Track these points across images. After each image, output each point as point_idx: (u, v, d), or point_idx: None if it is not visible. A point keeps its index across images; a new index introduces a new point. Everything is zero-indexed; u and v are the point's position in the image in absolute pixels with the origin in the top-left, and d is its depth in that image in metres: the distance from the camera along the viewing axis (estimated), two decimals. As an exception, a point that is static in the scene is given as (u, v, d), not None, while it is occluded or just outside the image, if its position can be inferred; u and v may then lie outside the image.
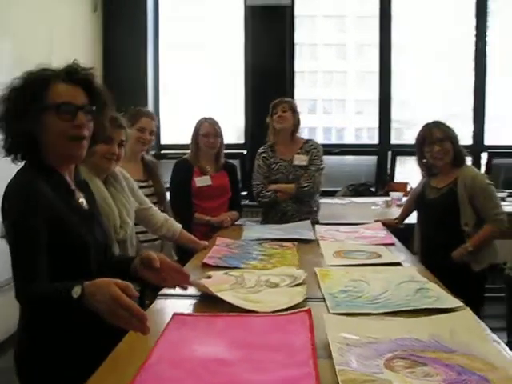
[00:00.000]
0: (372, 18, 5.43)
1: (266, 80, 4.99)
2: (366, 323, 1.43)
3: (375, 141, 5.49)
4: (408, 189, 4.87)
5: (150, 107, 5.07)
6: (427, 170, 2.99)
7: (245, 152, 5.03)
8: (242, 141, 5.31)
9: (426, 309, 1.53)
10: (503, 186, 4.05)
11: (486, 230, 2.74)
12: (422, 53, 5.56)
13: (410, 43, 5.54)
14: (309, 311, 1.47)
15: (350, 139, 13.35)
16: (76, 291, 1.18)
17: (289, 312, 1.50)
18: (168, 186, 3.24)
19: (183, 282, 1.55)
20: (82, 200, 1.55)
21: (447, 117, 4.87)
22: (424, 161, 2.96)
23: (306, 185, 3.20)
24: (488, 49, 5.08)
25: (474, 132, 5.05)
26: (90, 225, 1.52)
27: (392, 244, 2.55)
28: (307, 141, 3.37)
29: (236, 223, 3.22)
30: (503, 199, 3.81)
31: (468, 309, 1.49)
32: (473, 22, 5.11)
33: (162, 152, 5.26)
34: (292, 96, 5.11)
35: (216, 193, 3.23)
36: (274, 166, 3.28)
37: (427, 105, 5.68)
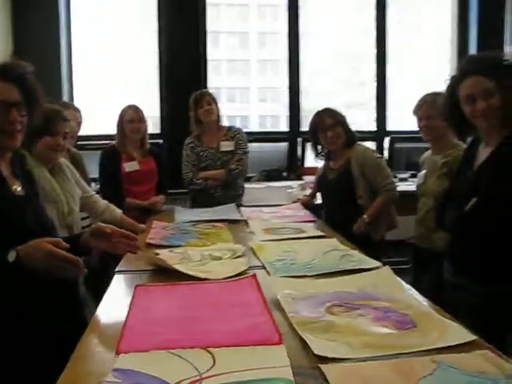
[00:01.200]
0: (275, 6, 5.69)
1: (180, 69, 5.11)
2: (304, 283, 1.69)
3: (281, 128, 5.78)
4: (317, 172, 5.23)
5: (65, 99, 5.06)
6: (326, 154, 3.27)
7: (161, 141, 5.13)
8: (157, 131, 5.40)
9: (351, 270, 1.81)
10: (405, 167, 4.47)
11: (379, 200, 3.02)
12: (326, 42, 5.91)
13: (316, 33, 5.85)
14: (254, 276, 1.71)
15: (253, 127, 13.64)
16: (11, 255, 1.34)
17: (237, 278, 1.73)
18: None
19: (133, 247, 1.66)
20: (16, 187, 1.62)
21: (352, 104, 5.27)
22: (319, 147, 3.25)
23: (235, 167, 3.42)
24: (388, 38, 5.52)
25: (377, 118, 5.48)
26: (23, 210, 1.58)
27: (313, 221, 2.85)
28: (230, 127, 3.59)
29: (165, 208, 3.39)
30: (405, 179, 4.23)
31: (387, 267, 1.79)
32: (373, 12, 5.51)
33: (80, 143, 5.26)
34: (205, 85, 5.29)
35: (144, 178, 3.38)
36: (201, 153, 3.47)
37: (331, 93, 6.07)
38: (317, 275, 1.78)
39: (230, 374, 1.05)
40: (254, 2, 12.77)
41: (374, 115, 5.46)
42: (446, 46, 5.80)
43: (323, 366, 1.07)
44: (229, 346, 1.18)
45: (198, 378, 1.04)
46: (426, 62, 5.80)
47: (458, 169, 2.13)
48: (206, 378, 1.04)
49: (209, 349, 1.16)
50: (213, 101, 3.48)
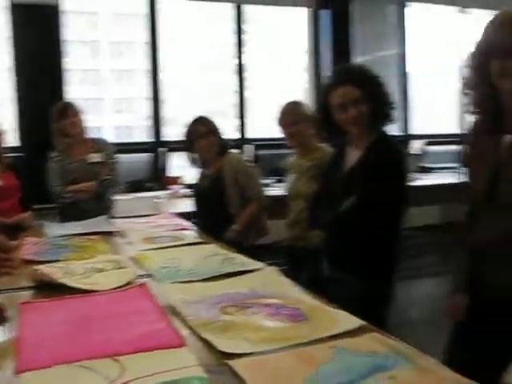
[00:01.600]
0: (131, 15, 5.69)
1: (36, 81, 4.91)
2: (194, 287, 1.72)
3: (138, 138, 5.76)
4: (180, 182, 5.29)
5: None
6: (201, 162, 3.35)
7: (22, 155, 4.85)
8: (17, 144, 5.09)
9: (237, 272, 1.88)
10: (269, 174, 4.68)
11: (251, 208, 3.18)
12: (186, 52, 6.01)
13: (177, 44, 5.93)
14: (144, 284, 1.71)
15: (109, 138, 13.19)
16: None
17: (126, 287, 1.72)
18: None
19: (9, 267, 1.58)
20: None
21: (213, 113, 5.37)
22: (194, 154, 3.32)
23: (107, 177, 3.35)
24: (245, 50, 5.75)
25: (239, 126, 5.67)
26: None
27: (189, 229, 2.88)
28: (96, 139, 3.51)
29: (34, 223, 3.22)
30: (269, 185, 4.42)
31: (273, 267, 1.88)
32: (232, 25, 5.71)
33: None
34: (61, 96, 5.11)
35: (6, 194, 3.19)
36: (69, 166, 3.36)
37: (192, 103, 6.17)
38: (205, 279, 1.82)
39: (143, 379, 1.05)
40: (105, 11, 12.44)
41: (237, 123, 5.64)
42: (302, 57, 6.17)
43: (231, 362, 1.12)
44: (134, 353, 1.18)
45: (107, 387, 1.04)
46: (284, 72, 6.14)
47: (326, 170, 2.30)
48: (118, 385, 1.04)
49: (115, 357, 1.15)
50: (77, 112, 3.39)
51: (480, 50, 1.55)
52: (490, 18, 1.55)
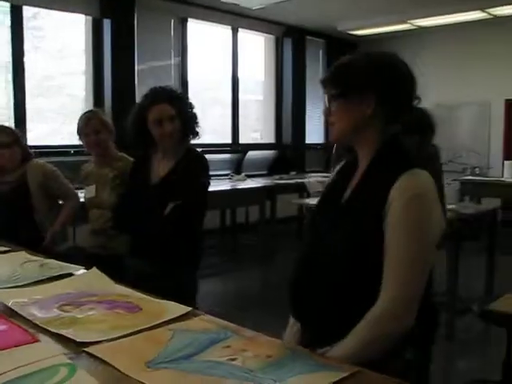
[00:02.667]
0: None
1: None
2: (23, 291, 1.79)
3: None
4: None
5: None
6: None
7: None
8: None
9: (57, 276, 1.99)
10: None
11: (66, 208, 3.22)
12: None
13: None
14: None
15: None
16: None
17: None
18: None
19: None
20: None
21: None
22: None
23: None
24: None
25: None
26: None
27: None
28: None
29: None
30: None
31: (94, 268, 2.03)
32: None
33: None
34: None
35: None
36: None
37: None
38: (31, 283, 1.89)
39: (13, 371, 1.16)
40: None
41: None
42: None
43: (89, 349, 1.29)
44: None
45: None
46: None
47: (130, 179, 2.52)
48: (-11, 380, 1.14)
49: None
50: None
51: None
52: None
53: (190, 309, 1.58)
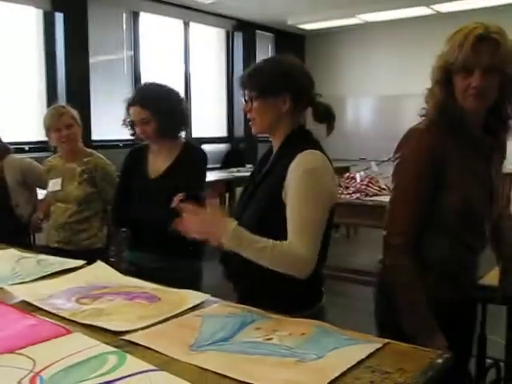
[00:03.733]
0: None
1: None
2: (34, 287, 1.81)
3: None
4: None
5: None
6: None
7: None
8: None
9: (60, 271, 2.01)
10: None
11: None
12: None
13: None
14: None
15: None
16: None
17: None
18: None
19: None
20: None
21: None
22: None
23: None
24: None
25: None
26: None
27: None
28: None
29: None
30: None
31: (99, 261, 2.06)
32: None
33: None
34: None
35: None
36: None
37: None
38: (35, 279, 1.91)
39: (61, 362, 1.20)
40: None
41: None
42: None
43: (128, 336, 1.34)
44: (32, 345, 1.30)
45: (33, 374, 1.15)
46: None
47: (125, 174, 2.55)
48: (41, 370, 1.16)
49: (16, 352, 1.25)
50: None
51: (442, 63, 1.59)
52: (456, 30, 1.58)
53: (207, 296, 1.66)
